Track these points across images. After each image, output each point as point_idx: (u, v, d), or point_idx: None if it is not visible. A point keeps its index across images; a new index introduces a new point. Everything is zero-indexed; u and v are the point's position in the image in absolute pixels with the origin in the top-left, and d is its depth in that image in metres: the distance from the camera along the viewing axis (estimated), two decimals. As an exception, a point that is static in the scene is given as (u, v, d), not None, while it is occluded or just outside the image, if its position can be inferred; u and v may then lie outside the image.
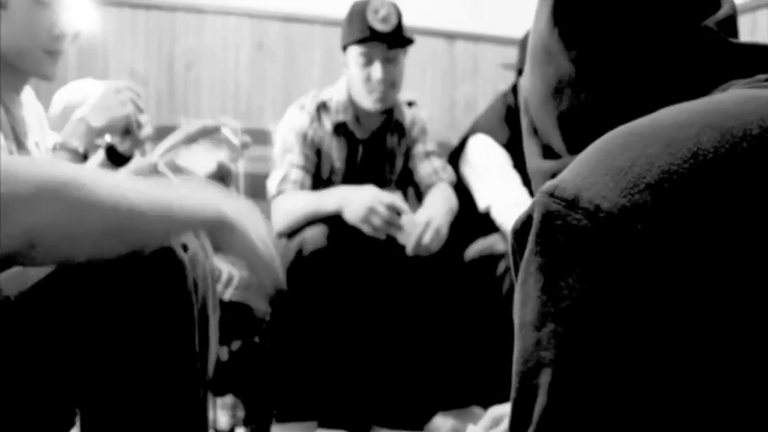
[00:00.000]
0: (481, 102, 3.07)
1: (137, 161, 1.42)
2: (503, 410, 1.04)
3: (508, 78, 3.19)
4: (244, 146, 1.30)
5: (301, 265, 1.87)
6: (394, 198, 1.91)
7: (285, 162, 2.08)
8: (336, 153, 2.15)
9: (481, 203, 2.20)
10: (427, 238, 1.88)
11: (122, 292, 0.78)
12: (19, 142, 1.35)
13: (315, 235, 1.88)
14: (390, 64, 2.07)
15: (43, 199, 0.63)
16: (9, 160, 0.64)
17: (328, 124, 2.14)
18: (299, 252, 1.87)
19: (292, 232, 1.97)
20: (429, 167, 2.23)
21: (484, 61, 3.23)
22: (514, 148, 2.18)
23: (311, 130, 2.11)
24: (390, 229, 1.87)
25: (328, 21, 2.87)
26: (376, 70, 2.04)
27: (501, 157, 2.19)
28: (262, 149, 2.55)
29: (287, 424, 2.08)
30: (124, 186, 0.72)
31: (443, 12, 3.14)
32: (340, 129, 2.14)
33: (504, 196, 2.13)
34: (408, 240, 1.89)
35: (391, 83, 2.08)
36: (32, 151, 1.36)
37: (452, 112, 3.16)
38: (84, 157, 1.31)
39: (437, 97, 3.18)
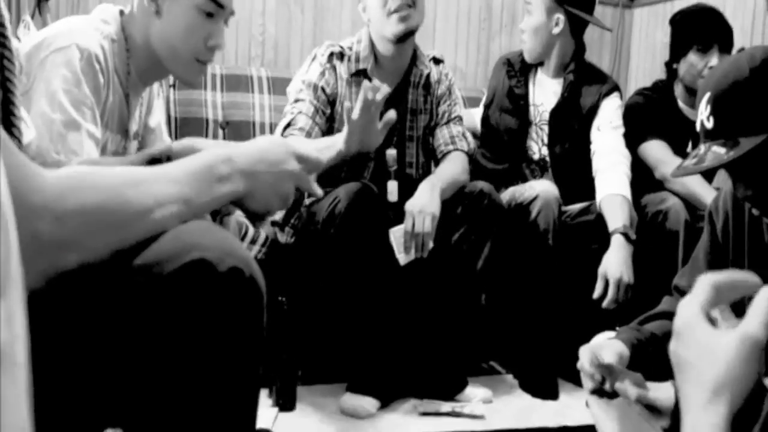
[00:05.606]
0: (518, 55, 2.92)
1: None
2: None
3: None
4: None
5: (333, 222, 1.77)
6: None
7: (294, 110, 1.96)
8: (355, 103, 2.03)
9: (476, 120, 2.50)
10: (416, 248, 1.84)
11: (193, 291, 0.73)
12: (123, 131, 1.42)
13: (349, 192, 1.77)
14: None
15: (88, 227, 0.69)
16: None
17: (344, 73, 2.01)
18: (332, 209, 1.77)
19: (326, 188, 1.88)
20: (447, 134, 2.11)
21: (522, 11, 3.07)
22: None
23: (322, 82, 1.99)
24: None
25: (360, -34, 2.72)
26: None
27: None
28: (289, 100, 2.45)
29: (314, 386, 2.02)
30: (144, 201, 0.74)
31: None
32: (360, 76, 2.00)
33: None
34: (398, 253, 1.85)
35: (412, 1, 1.93)
36: (132, 140, 1.45)
37: (488, 66, 3.01)
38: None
39: (472, 49, 3.04)
